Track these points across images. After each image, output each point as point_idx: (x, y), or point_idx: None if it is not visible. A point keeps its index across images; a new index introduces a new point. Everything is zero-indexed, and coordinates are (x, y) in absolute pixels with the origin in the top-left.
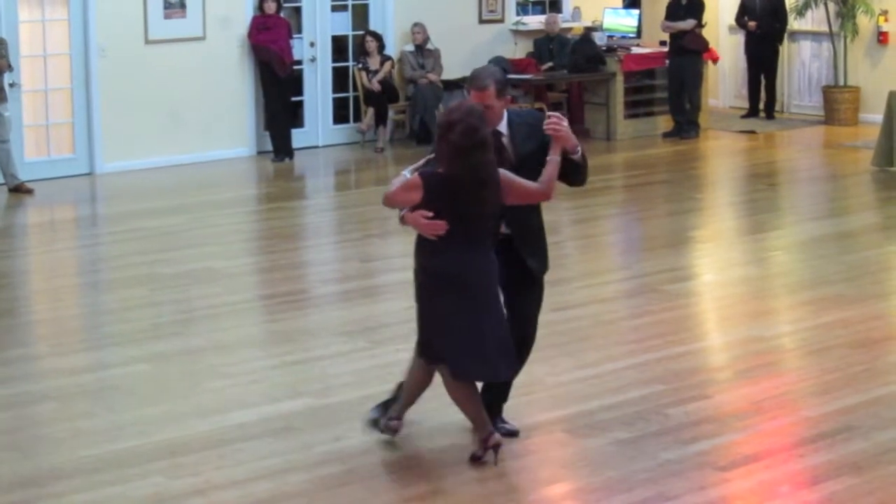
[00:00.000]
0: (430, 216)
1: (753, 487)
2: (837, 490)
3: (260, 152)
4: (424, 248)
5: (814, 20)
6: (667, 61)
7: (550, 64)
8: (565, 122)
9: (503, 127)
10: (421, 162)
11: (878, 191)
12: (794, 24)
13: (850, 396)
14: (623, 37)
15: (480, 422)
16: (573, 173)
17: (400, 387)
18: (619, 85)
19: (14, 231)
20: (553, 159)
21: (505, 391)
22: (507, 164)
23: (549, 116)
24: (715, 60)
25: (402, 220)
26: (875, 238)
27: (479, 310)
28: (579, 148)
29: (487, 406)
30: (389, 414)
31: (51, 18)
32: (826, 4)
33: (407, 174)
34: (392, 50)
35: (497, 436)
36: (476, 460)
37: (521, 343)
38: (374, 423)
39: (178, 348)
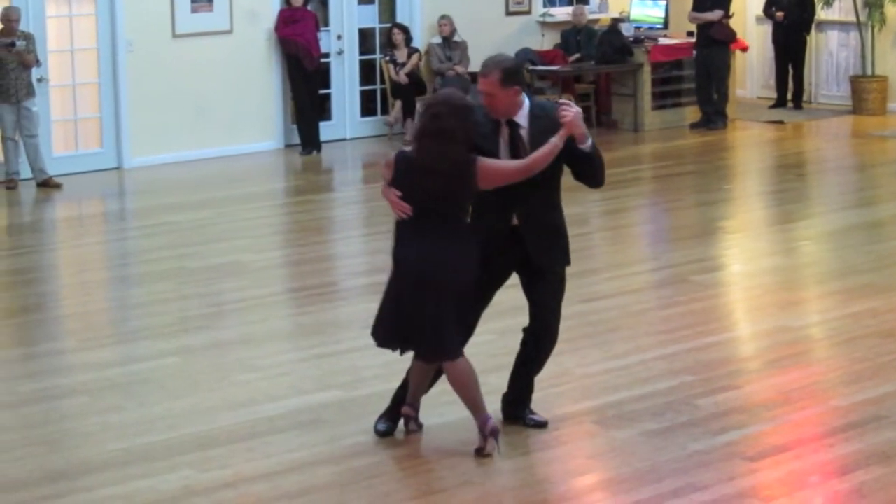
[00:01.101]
0: (399, 195)
1: (783, 477)
2: (867, 480)
3: (288, 145)
4: (395, 232)
5: (841, 10)
6: (694, 52)
7: (578, 55)
8: (575, 110)
9: (523, 118)
10: None
11: None
12: (821, 13)
13: (880, 386)
14: (650, 28)
15: (476, 407)
16: (585, 167)
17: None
18: (647, 76)
19: (42, 226)
20: (552, 141)
21: (530, 383)
22: (523, 156)
23: (561, 103)
24: (744, 49)
25: (382, 192)
26: None
27: (405, 292)
28: (589, 140)
29: (515, 399)
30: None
31: (78, 13)
32: None
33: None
34: (419, 42)
35: (493, 422)
36: (479, 453)
37: (540, 332)
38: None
39: (206, 342)
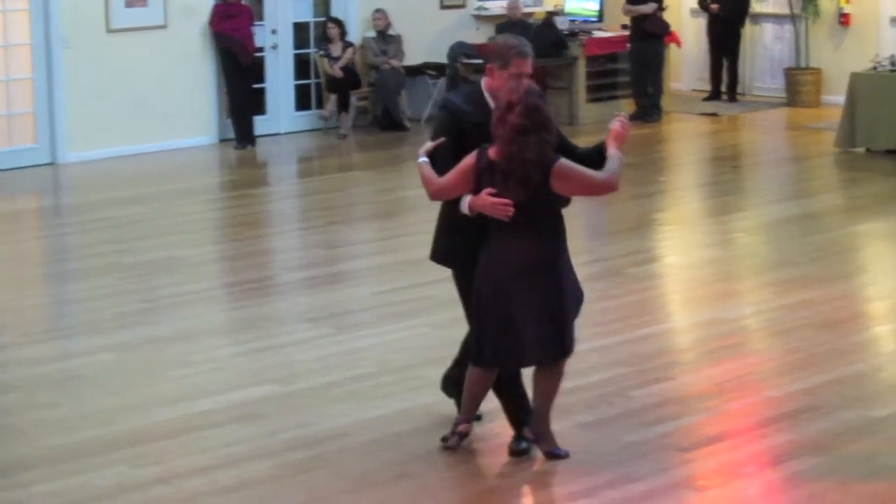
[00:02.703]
0: (494, 193)
1: (717, 468)
2: (801, 469)
3: (222, 140)
4: (489, 239)
5: (775, 2)
6: (629, 45)
7: None
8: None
9: None
10: (430, 145)
11: (841, 172)
12: (756, 6)
13: (814, 376)
14: (585, 21)
15: (466, 409)
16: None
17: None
18: (582, 69)
19: None
20: (616, 154)
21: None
22: None
23: (619, 115)
24: (678, 44)
25: (470, 209)
26: (839, 219)
27: (520, 295)
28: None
29: (457, 385)
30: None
31: (12, 8)
32: None
33: (423, 159)
34: (354, 36)
35: (466, 425)
36: (443, 441)
37: None
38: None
39: (142, 337)
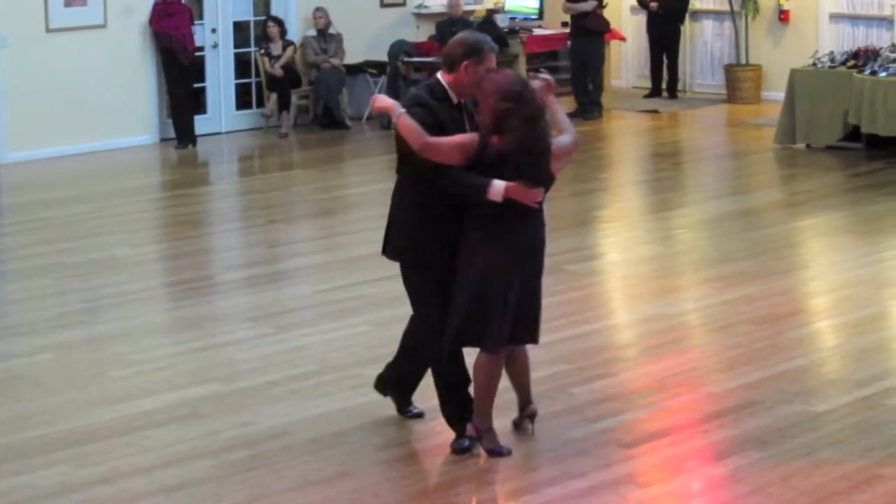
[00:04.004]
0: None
1: (659, 463)
2: (742, 464)
3: (163, 139)
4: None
5: None
6: (569, 42)
7: None
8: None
9: None
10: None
11: (780, 168)
12: (695, 3)
13: (754, 372)
14: (525, 18)
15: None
16: None
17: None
18: (523, 66)
19: None
20: (559, 107)
21: (418, 374)
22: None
23: (545, 78)
24: (621, 39)
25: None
26: (778, 215)
27: (520, 279)
28: None
29: (402, 387)
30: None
31: None
32: None
33: (402, 110)
34: (294, 35)
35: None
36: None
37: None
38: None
39: (83, 337)
